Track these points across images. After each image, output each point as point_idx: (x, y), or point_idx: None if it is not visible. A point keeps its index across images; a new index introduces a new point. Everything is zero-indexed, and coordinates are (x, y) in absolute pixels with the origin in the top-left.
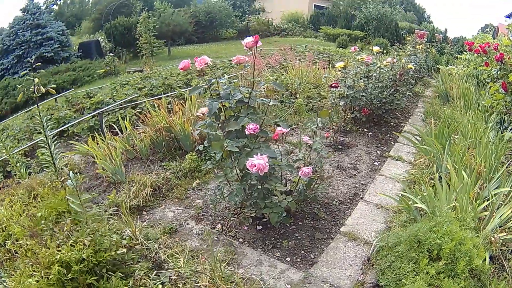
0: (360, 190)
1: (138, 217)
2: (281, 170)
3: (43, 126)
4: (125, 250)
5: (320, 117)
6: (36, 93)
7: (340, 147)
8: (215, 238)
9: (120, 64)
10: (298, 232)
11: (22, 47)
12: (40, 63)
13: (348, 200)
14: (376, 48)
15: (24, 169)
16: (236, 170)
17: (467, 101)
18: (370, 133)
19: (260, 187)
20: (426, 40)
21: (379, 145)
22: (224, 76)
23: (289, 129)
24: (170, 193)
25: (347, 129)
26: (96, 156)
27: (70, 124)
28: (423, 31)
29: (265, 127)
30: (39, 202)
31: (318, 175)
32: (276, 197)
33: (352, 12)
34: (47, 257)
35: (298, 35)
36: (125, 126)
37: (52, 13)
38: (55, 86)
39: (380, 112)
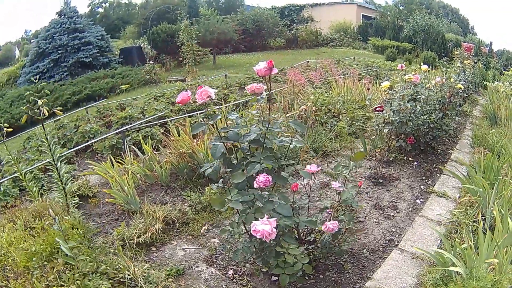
0: (396, 236)
1: (145, 253)
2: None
3: (49, 147)
4: None
5: (354, 161)
6: (42, 115)
7: (380, 181)
8: (224, 286)
9: (163, 72)
10: (318, 286)
11: (59, 51)
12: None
13: (380, 248)
14: (424, 67)
15: (37, 188)
16: (245, 226)
17: None
18: (415, 163)
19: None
20: (473, 54)
21: (424, 178)
22: (233, 112)
23: (319, 168)
24: (185, 228)
25: (391, 159)
26: (110, 181)
27: (93, 141)
28: (469, 43)
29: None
30: (37, 233)
31: (347, 228)
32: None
33: (400, 23)
34: None
35: (347, 46)
36: (147, 148)
37: (98, 16)
38: (60, 108)
39: (427, 139)
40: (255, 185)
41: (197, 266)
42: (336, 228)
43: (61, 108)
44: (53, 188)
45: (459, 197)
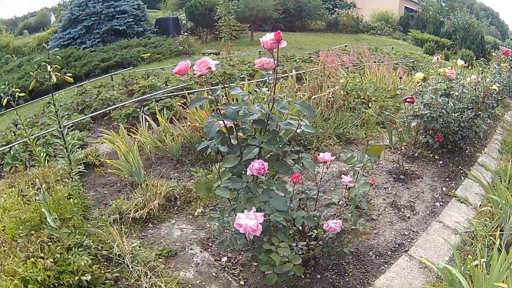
0: (408, 240)
1: (140, 230)
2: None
3: (56, 113)
4: (88, 277)
5: (369, 155)
6: (50, 80)
7: (402, 177)
8: (214, 273)
9: (198, 44)
10: (313, 287)
11: (92, 18)
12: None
13: (389, 252)
14: (460, 62)
15: (45, 154)
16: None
17: None
18: (440, 162)
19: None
20: (510, 58)
21: (447, 179)
22: (238, 87)
23: (333, 157)
24: (186, 206)
25: (416, 154)
26: (117, 151)
27: (109, 109)
28: (507, 48)
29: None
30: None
31: (352, 228)
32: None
33: (441, 19)
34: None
35: (387, 36)
36: (160, 119)
37: None
38: (84, 71)
39: (456, 138)
40: (248, 172)
41: (191, 249)
42: (339, 228)
43: (70, 74)
44: (59, 155)
45: (480, 206)
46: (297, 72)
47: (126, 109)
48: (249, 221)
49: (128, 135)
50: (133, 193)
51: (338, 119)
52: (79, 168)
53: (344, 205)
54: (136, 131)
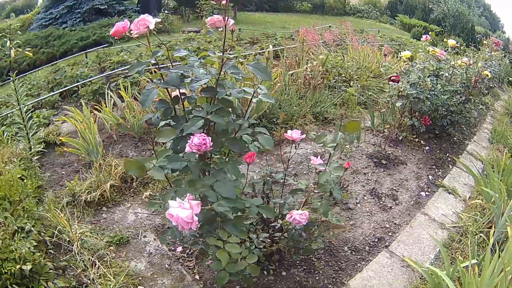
0: (389, 234)
1: (94, 214)
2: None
3: (17, 97)
4: (29, 267)
5: (344, 132)
6: (10, 57)
7: (384, 162)
8: (167, 265)
9: (180, 23)
10: (277, 286)
11: None
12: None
13: (366, 248)
14: (451, 42)
15: (10, 134)
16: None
17: None
18: (427, 148)
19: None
20: (502, 48)
21: (434, 166)
22: (181, 49)
23: (304, 135)
24: (143, 188)
25: (400, 138)
26: (76, 129)
27: (74, 86)
28: (497, 39)
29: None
30: None
31: (322, 220)
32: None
33: (430, 6)
34: None
35: (374, 19)
36: (123, 95)
37: None
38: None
39: (444, 123)
40: (187, 149)
41: (145, 236)
42: (305, 221)
43: (30, 49)
44: (19, 134)
45: (469, 198)
46: (275, 49)
47: (93, 85)
48: (181, 211)
49: (93, 112)
50: (90, 174)
51: (316, 97)
52: (38, 148)
53: (313, 192)
54: (100, 108)
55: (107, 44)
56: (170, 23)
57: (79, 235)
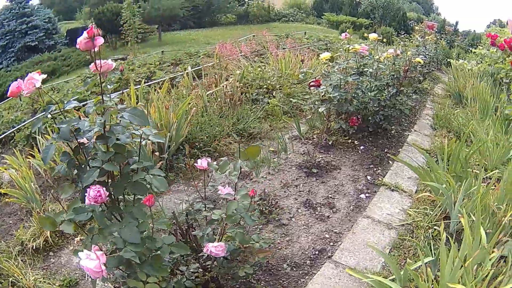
0: (331, 244)
1: (43, 259)
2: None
3: None
4: None
5: (245, 159)
6: None
7: (314, 170)
8: None
9: (109, 51)
10: None
11: (7, 37)
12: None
13: (307, 262)
14: (373, 36)
15: None
16: None
17: (484, 104)
18: (361, 147)
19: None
20: (436, 31)
21: (372, 166)
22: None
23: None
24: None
25: (330, 143)
26: (12, 177)
27: (8, 132)
28: (432, 22)
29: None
30: None
31: (246, 247)
32: None
33: (358, 0)
34: None
35: (300, 21)
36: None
37: None
38: None
39: (377, 119)
40: (87, 202)
41: (90, 276)
42: (222, 252)
43: None
44: None
45: (416, 191)
46: (196, 68)
47: (26, 130)
48: (89, 262)
49: (29, 157)
50: (31, 221)
51: (238, 113)
52: None
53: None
54: (35, 154)
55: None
56: (97, 53)
57: (33, 281)
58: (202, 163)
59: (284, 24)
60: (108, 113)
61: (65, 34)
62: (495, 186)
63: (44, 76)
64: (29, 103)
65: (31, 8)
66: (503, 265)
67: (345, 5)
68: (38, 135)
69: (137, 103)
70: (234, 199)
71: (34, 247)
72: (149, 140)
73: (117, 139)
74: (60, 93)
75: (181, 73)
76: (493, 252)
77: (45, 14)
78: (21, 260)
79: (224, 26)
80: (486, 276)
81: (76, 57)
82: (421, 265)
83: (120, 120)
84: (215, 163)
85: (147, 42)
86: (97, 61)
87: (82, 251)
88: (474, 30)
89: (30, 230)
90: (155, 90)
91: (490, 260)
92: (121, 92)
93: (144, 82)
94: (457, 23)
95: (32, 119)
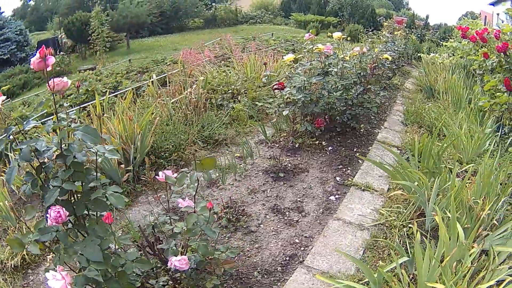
0: (301, 249)
1: (23, 277)
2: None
3: None
4: None
5: (201, 171)
6: None
7: (281, 175)
8: None
9: (79, 61)
10: None
11: None
12: None
13: (279, 268)
14: (337, 34)
15: None
16: None
17: (457, 97)
18: (330, 148)
19: None
20: (405, 26)
21: (341, 166)
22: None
23: (175, 174)
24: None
25: (297, 145)
26: None
27: None
28: (401, 17)
29: None
30: None
31: (211, 258)
32: None
33: None
34: None
35: (268, 23)
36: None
37: (29, 9)
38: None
39: (344, 118)
40: (48, 222)
41: None
42: (186, 266)
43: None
44: None
45: (388, 190)
46: (161, 76)
47: None
48: (55, 282)
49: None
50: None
51: (203, 120)
52: None
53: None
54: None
55: (14, 96)
56: (67, 64)
57: None
58: (162, 175)
59: (252, 26)
60: (62, 132)
61: (36, 45)
62: (471, 179)
63: (3, 98)
64: (1, 118)
65: (3, 20)
66: (485, 259)
67: (312, 4)
68: (10, 152)
69: (103, 115)
70: (194, 211)
71: (13, 265)
72: (105, 156)
73: (74, 157)
74: (31, 107)
75: (146, 81)
76: (472, 247)
77: (16, 26)
78: (2, 279)
79: (192, 31)
80: (467, 272)
81: None
82: (395, 266)
83: (76, 139)
84: (174, 175)
85: (116, 51)
86: (50, 81)
87: (55, 269)
88: (445, 23)
89: (7, 248)
90: (120, 101)
91: (470, 256)
92: (79, 107)
93: (111, 93)
94: (427, 16)
95: (3, 136)
